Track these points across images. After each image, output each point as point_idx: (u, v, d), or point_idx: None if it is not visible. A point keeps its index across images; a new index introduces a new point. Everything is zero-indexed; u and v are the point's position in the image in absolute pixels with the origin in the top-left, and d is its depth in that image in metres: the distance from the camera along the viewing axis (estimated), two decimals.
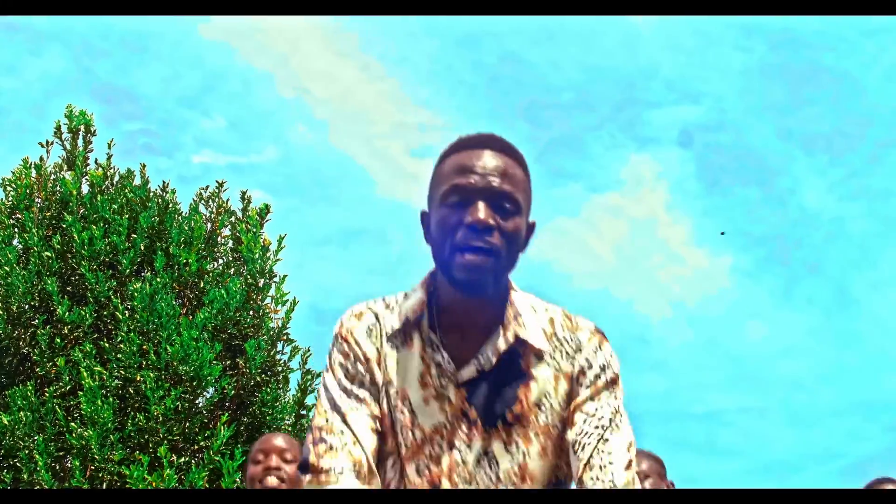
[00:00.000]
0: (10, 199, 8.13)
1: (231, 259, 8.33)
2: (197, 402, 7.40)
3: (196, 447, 7.29)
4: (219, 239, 8.39)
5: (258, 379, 7.68)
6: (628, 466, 1.95)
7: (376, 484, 1.99)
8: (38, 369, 7.34)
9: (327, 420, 2.01)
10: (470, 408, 1.96)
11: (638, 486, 1.97)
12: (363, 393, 2.02)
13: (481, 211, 1.89)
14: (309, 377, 7.91)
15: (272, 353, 7.88)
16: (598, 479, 1.92)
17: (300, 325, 8.15)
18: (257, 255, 8.05)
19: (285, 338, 7.95)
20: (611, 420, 1.98)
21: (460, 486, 1.93)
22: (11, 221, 8.01)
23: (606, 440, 1.95)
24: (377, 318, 2.07)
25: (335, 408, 2.02)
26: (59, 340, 7.33)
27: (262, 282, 8.03)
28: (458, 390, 1.96)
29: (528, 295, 2.08)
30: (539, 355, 1.99)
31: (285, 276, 8.09)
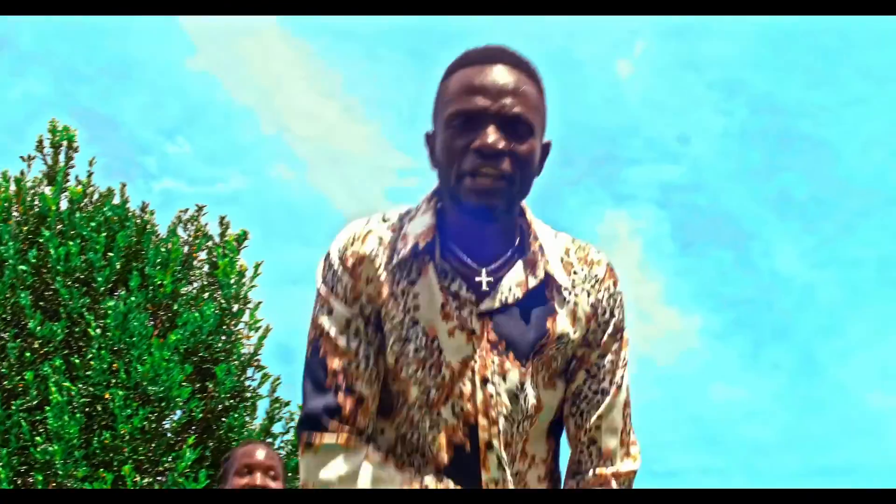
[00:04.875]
0: None
1: (206, 283, 8.32)
2: (164, 423, 7.36)
3: (160, 468, 7.25)
4: (195, 262, 8.39)
5: (227, 403, 7.66)
6: (622, 436, 1.91)
7: (373, 451, 1.86)
8: (5, 382, 7.29)
9: (326, 370, 1.85)
10: (499, 339, 1.84)
11: (630, 448, 1.94)
12: (368, 336, 1.88)
13: (491, 135, 1.75)
14: (277, 405, 7.91)
15: (242, 378, 7.86)
16: (590, 456, 1.91)
17: (271, 352, 8.15)
18: (233, 280, 8.05)
19: (256, 364, 7.94)
20: (611, 381, 1.91)
21: (500, 423, 1.82)
22: None
23: (601, 405, 1.90)
24: (380, 243, 1.90)
25: (337, 352, 1.86)
26: (28, 354, 7.29)
27: (236, 307, 8.03)
28: (482, 321, 1.83)
29: (538, 221, 1.96)
30: (560, 289, 1.88)
31: (260, 302, 8.10)
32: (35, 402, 7.16)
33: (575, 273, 1.91)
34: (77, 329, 7.55)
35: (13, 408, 7.05)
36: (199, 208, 8.51)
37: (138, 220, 8.29)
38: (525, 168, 1.79)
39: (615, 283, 1.94)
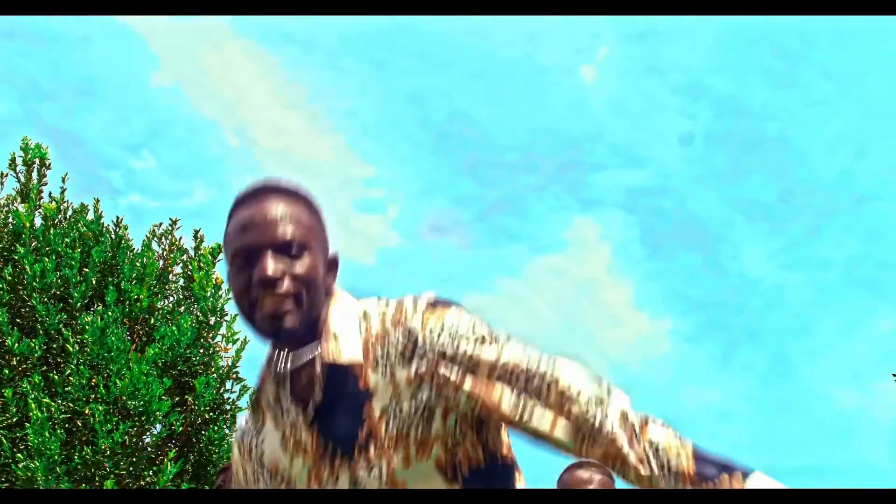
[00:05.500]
0: None
1: (182, 296, 8.34)
2: (144, 437, 7.38)
3: (142, 483, 7.26)
4: (170, 276, 8.41)
5: (206, 416, 7.68)
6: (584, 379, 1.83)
7: None
8: None
9: None
10: (326, 443, 1.89)
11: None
12: None
13: (266, 266, 1.83)
14: None
15: (221, 391, 7.88)
16: (574, 412, 1.82)
17: (250, 364, 8.18)
18: (209, 293, 8.07)
19: (235, 376, 7.96)
20: (530, 368, 1.84)
21: None
22: None
23: (551, 383, 1.83)
24: (246, 417, 2.07)
25: None
26: (6, 371, 7.28)
27: (213, 320, 8.05)
28: (309, 432, 1.90)
29: (361, 302, 1.98)
30: (362, 369, 1.88)
31: (236, 315, 8.11)
32: (15, 419, 7.16)
33: (387, 341, 1.89)
34: (55, 345, 7.55)
35: None
36: (173, 222, 8.54)
37: (112, 236, 8.30)
38: (308, 283, 1.87)
39: (440, 318, 1.88)
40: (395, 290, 2.03)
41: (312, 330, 1.91)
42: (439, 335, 1.86)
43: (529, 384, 1.83)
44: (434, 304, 1.89)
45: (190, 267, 8.31)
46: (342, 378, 1.88)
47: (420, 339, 1.86)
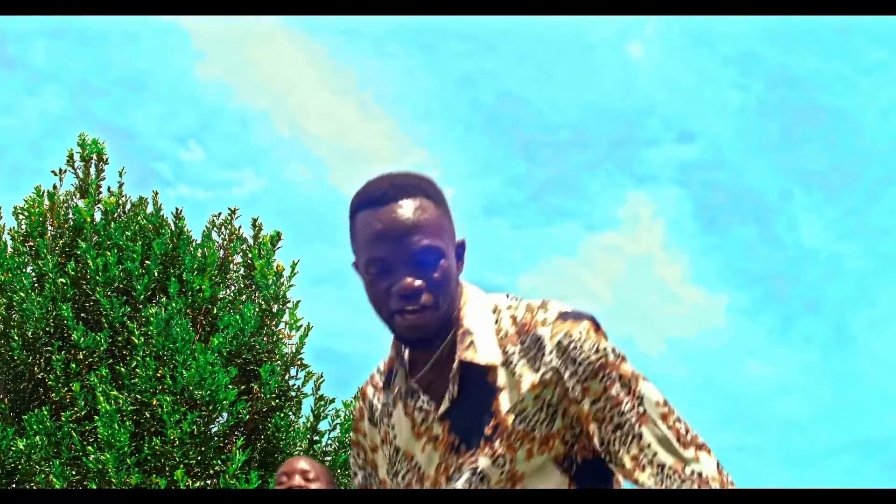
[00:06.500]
0: (24, 226, 8.16)
1: (243, 285, 8.35)
2: (212, 426, 7.40)
3: (211, 471, 7.28)
4: (231, 266, 8.42)
5: (272, 404, 7.69)
6: (675, 447, 1.89)
7: None
8: (52, 394, 7.34)
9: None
10: (454, 437, 1.96)
11: (688, 451, 1.90)
12: (362, 476, 2.20)
13: (405, 277, 1.88)
14: (322, 403, 7.94)
15: (286, 378, 7.89)
16: (647, 471, 1.90)
17: (312, 351, 8.17)
18: (270, 281, 8.07)
19: (299, 363, 7.97)
20: (628, 410, 1.91)
21: None
22: (25, 248, 8.03)
23: (635, 436, 1.90)
24: (374, 389, 2.15)
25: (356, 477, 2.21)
26: (74, 366, 7.33)
27: (275, 307, 8.06)
28: (441, 424, 1.96)
29: (490, 297, 2.03)
30: (494, 369, 1.95)
31: (298, 301, 8.12)
32: (84, 413, 7.21)
33: (514, 345, 1.95)
34: (120, 338, 7.59)
35: (63, 419, 7.10)
36: (232, 212, 8.54)
37: (172, 227, 8.33)
38: (443, 288, 1.91)
39: (568, 334, 1.91)
40: None
41: (446, 326, 1.97)
42: (563, 351, 1.91)
43: (619, 429, 1.90)
44: (564, 316, 1.94)
45: (250, 255, 8.32)
46: (476, 376, 1.95)
47: (547, 349, 1.92)
